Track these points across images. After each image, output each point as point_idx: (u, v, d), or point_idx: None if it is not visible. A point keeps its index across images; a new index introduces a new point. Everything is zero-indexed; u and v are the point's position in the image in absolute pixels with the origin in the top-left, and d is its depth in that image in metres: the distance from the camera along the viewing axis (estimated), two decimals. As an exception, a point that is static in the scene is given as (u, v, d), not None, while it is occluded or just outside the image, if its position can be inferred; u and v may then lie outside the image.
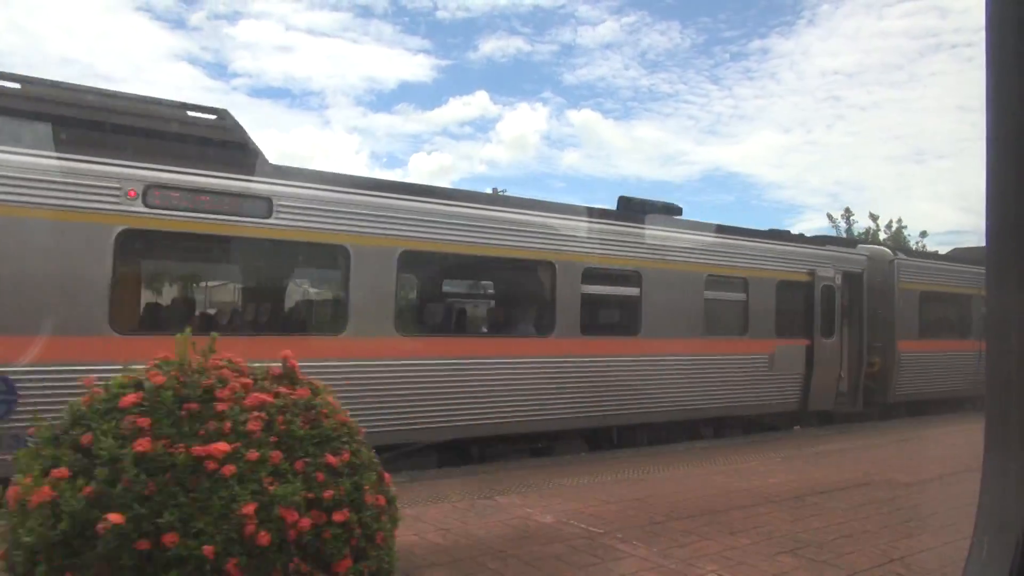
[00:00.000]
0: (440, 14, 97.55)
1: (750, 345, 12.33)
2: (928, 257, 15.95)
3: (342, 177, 8.56)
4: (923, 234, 47.40)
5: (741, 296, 12.33)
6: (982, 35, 1.37)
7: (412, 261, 9.09)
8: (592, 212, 10.71)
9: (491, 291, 10.71)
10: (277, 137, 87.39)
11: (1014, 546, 1.33)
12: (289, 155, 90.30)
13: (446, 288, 10.24)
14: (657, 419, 11.24)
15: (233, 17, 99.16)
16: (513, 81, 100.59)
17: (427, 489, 7.32)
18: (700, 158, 79.50)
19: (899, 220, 56.79)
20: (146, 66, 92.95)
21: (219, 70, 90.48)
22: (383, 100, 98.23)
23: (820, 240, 14.08)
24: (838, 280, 13.73)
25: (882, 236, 55.70)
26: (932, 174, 64.26)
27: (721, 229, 12.32)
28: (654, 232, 11.14)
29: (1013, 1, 1.36)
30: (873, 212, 64.23)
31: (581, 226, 10.29)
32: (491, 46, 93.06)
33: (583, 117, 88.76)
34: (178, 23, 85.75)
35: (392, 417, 8.49)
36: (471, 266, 9.75)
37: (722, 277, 12.12)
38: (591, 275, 10.40)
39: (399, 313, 8.81)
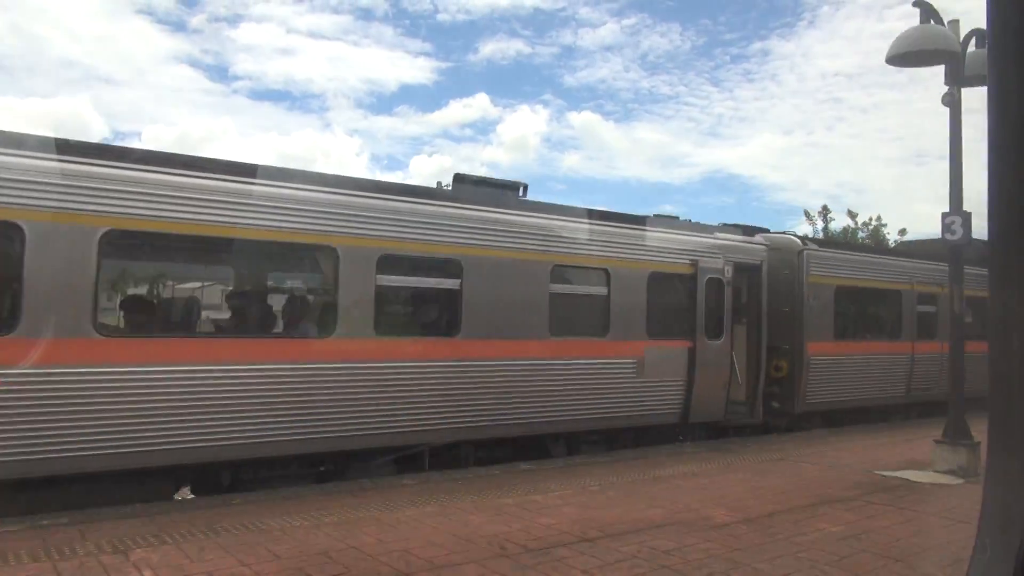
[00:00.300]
0: (441, 17, 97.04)
1: (612, 348, 10.56)
2: (846, 248, 14.17)
3: (13, 136, 6.81)
4: (902, 232, 46.27)
5: (600, 290, 10.57)
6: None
7: (126, 244, 7.34)
8: (393, 189, 8.98)
9: (248, 282, 8.95)
10: (278, 140, 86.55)
11: (1018, 547, 1.32)
12: (290, 157, 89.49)
13: (182, 278, 8.50)
14: (486, 435, 9.48)
15: (234, 20, 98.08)
16: (513, 83, 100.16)
17: (64, 537, 5.56)
18: (701, 160, 79.17)
19: (878, 218, 55.53)
20: (147, 68, 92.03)
21: (220, 73, 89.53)
22: (384, 102, 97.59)
23: (708, 227, 12.31)
24: (728, 272, 11.97)
25: (860, 235, 54.22)
26: (933, 176, 64.01)
27: (574, 212, 10.56)
28: (481, 214, 9.38)
29: (1014, 3, 1.35)
30: (852, 210, 63.13)
31: (377, 205, 8.53)
32: (491, 48, 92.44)
33: (583, 119, 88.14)
34: (179, 26, 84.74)
35: (92, 435, 6.75)
36: (218, 251, 8.00)
37: (574, 267, 10.37)
38: (391, 264, 8.64)
39: (103, 309, 7.06)
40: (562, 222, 10.18)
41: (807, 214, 55.70)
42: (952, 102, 8.80)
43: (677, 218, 12.53)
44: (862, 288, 14.32)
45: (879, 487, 7.89)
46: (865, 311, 14.97)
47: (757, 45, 76.39)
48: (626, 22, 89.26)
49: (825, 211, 55.65)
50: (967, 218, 8.69)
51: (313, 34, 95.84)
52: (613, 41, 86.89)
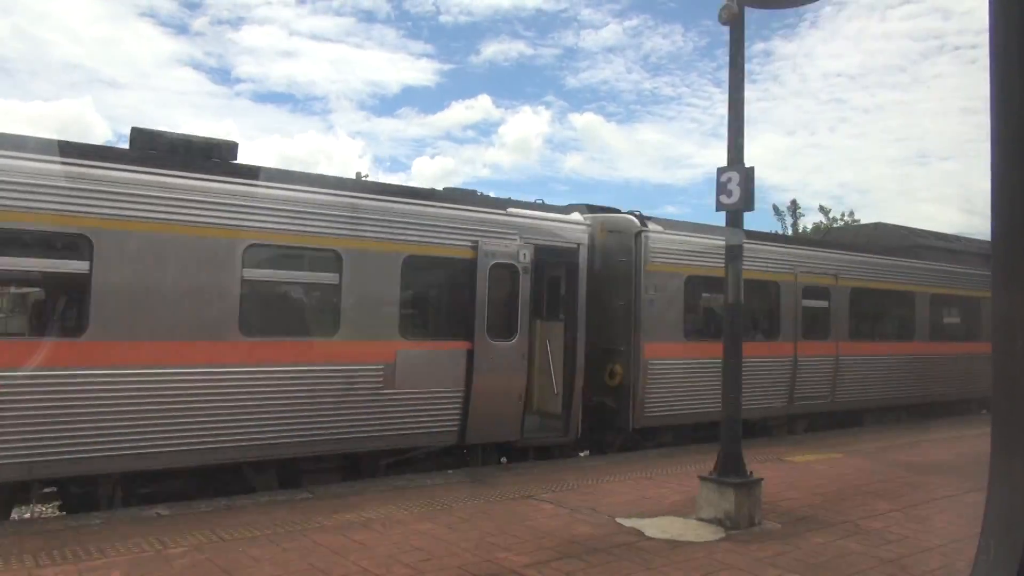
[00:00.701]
0: (443, 18, 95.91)
1: (345, 350, 8.29)
2: (702, 231, 11.89)
3: None
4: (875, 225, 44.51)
5: (328, 277, 8.30)
6: (985, 37, 1.37)
7: None
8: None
9: None
10: (281, 142, 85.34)
11: (1021, 547, 1.30)
12: (292, 160, 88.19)
13: None
14: (141, 467, 7.23)
15: (236, 22, 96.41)
16: (515, 85, 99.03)
17: None
18: (704, 161, 78.35)
19: (850, 213, 53.44)
20: (150, 72, 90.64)
21: (223, 75, 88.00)
22: (386, 104, 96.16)
23: (497, 201, 10.01)
24: (526, 256, 9.68)
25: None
26: (936, 176, 63.61)
27: (292, 177, 8.30)
28: (125, 175, 7.11)
29: (1015, 3, 1.35)
30: (824, 205, 61.02)
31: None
32: (493, 50, 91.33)
33: (585, 120, 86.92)
34: (181, 28, 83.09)
35: None
36: None
37: (284, 248, 8.10)
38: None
39: None
40: (266, 190, 7.91)
41: (775, 209, 53.71)
42: (731, 17, 6.52)
43: (476, 193, 10.29)
44: (723, 278, 11.99)
45: (589, 547, 5.61)
46: (720, 305, 12.64)
47: (759, 46, 74.84)
48: (628, 23, 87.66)
49: (794, 206, 53.66)
50: (748, 175, 6.41)
51: (315, 36, 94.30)
52: (615, 42, 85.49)
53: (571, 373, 10.33)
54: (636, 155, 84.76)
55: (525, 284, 9.68)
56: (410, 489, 7.71)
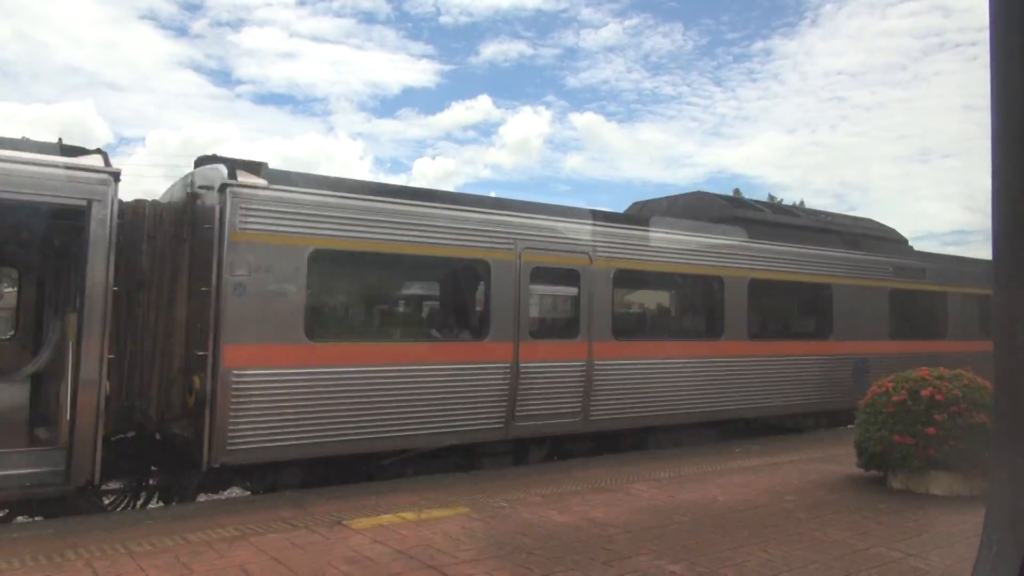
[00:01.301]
0: (443, 19, 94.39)
1: None
2: (349, 189, 8.49)
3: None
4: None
5: None
6: (986, 33, 1.37)
7: None
8: None
9: None
10: (282, 144, 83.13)
11: None
12: (293, 161, 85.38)
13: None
14: None
15: (236, 24, 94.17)
16: (516, 85, 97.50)
17: None
18: (704, 160, 76.41)
19: (801, 202, 50.72)
20: (151, 74, 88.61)
21: (223, 77, 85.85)
22: (387, 105, 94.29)
23: None
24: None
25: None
26: (938, 174, 61.99)
27: None
28: None
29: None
30: (773, 195, 57.99)
31: None
32: (493, 50, 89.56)
33: (586, 120, 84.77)
34: (181, 31, 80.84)
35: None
36: None
37: None
38: None
39: None
40: None
41: (719, 199, 50.98)
42: None
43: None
44: (379, 255, 8.66)
45: None
46: (383, 293, 9.35)
47: (760, 44, 72.49)
48: (628, 23, 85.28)
49: (737, 195, 50.78)
50: None
51: (316, 38, 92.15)
52: (615, 42, 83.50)
53: (75, 388, 7.01)
54: (637, 154, 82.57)
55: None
56: None
